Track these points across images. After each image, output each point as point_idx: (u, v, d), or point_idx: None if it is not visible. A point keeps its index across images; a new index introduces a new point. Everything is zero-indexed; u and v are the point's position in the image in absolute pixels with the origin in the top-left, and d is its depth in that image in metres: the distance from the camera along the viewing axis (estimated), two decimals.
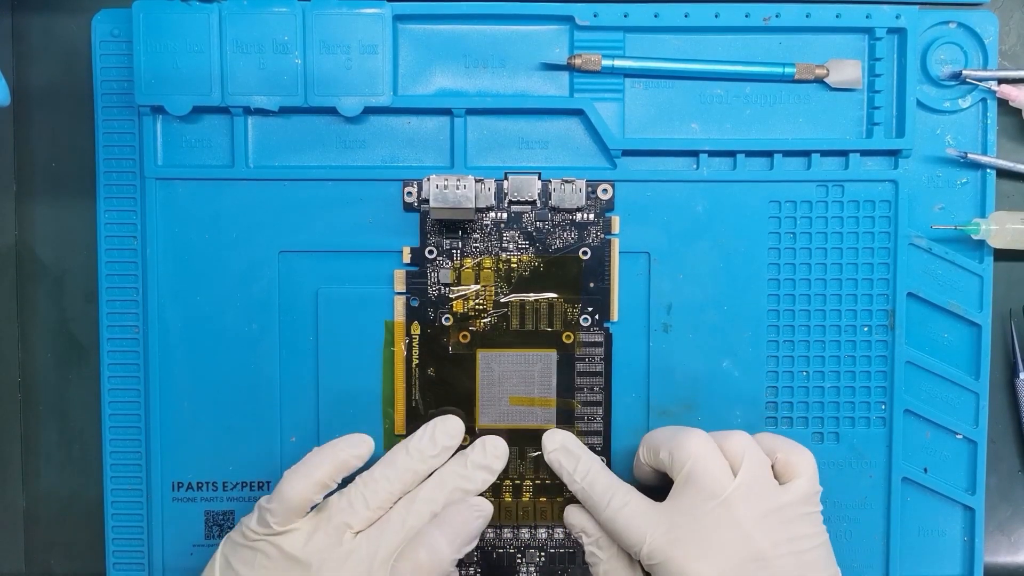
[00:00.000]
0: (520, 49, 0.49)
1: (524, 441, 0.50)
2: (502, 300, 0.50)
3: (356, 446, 0.46)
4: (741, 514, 0.43)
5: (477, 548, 0.49)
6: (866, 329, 0.50)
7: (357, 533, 0.45)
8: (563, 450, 0.47)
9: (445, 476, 0.46)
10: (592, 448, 0.50)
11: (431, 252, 0.49)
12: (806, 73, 0.49)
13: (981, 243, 0.50)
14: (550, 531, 0.50)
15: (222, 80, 0.48)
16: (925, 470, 0.51)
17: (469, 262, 0.50)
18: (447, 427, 0.47)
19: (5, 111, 0.51)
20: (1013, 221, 0.49)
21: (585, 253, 0.49)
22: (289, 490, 0.45)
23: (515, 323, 0.50)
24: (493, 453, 0.48)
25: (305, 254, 0.50)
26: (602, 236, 0.49)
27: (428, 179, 0.48)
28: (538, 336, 0.50)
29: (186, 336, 0.50)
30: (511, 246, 0.50)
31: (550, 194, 0.49)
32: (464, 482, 0.46)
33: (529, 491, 0.50)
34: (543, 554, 0.50)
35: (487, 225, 0.49)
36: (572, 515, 0.47)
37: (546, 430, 0.49)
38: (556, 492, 0.50)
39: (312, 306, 0.50)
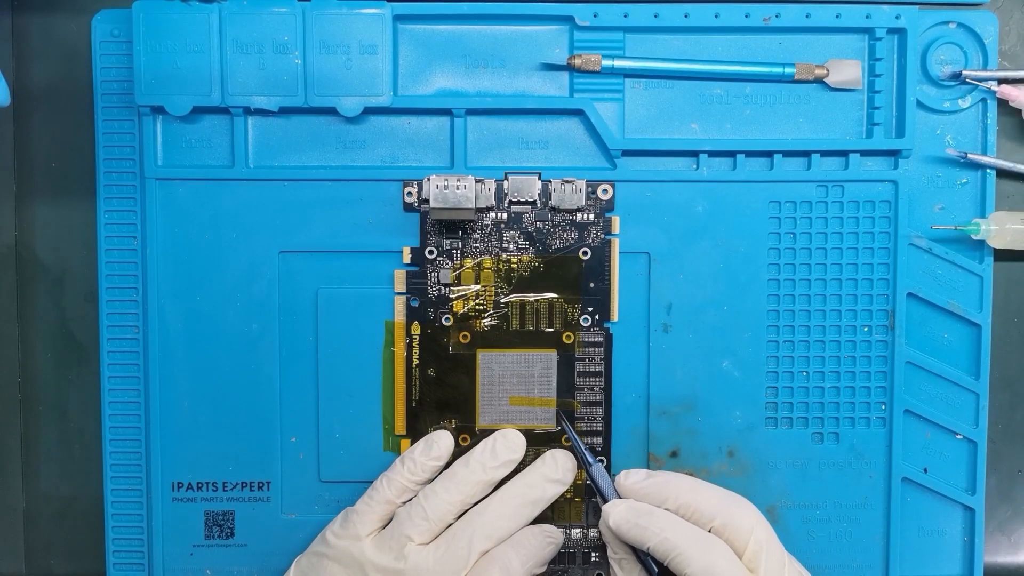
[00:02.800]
0: (520, 49, 0.49)
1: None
2: (502, 300, 0.50)
3: (431, 450, 0.47)
4: None
5: None
6: (866, 329, 0.50)
7: (420, 546, 0.45)
8: (630, 509, 0.45)
9: (510, 491, 0.47)
10: (592, 448, 0.50)
11: (431, 252, 0.49)
12: (806, 73, 0.49)
13: (981, 243, 0.50)
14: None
15: (222, 80, 0.48)
16: (925, 470, 0.51)
17: (469, 262, 0.49)
18: (508, 441, 0.48)
19: (5, 111, 0.51)
20: (1013, 221, 0.49)
21: (585, 253, 0.49)
22: (377, 493, 0.46)
23: (515, 323, 0.50)
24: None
25: (305, 254, 0.50)
26: (602, 236, 0.49)
27: (428, 179, 0.48)
28: (538, 336, 0.50)
29: (186, 336, 0.50)
30: (511, 246, 0.50)
31: (550, 194, 0.49)
32: (531, 492, 0.47)
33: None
34: None
35: (487, 225, 0.49)
36: (606, 530, 0.46)
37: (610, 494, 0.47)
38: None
39: (312, 306, 0.50)
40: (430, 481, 0.47)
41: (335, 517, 0.47)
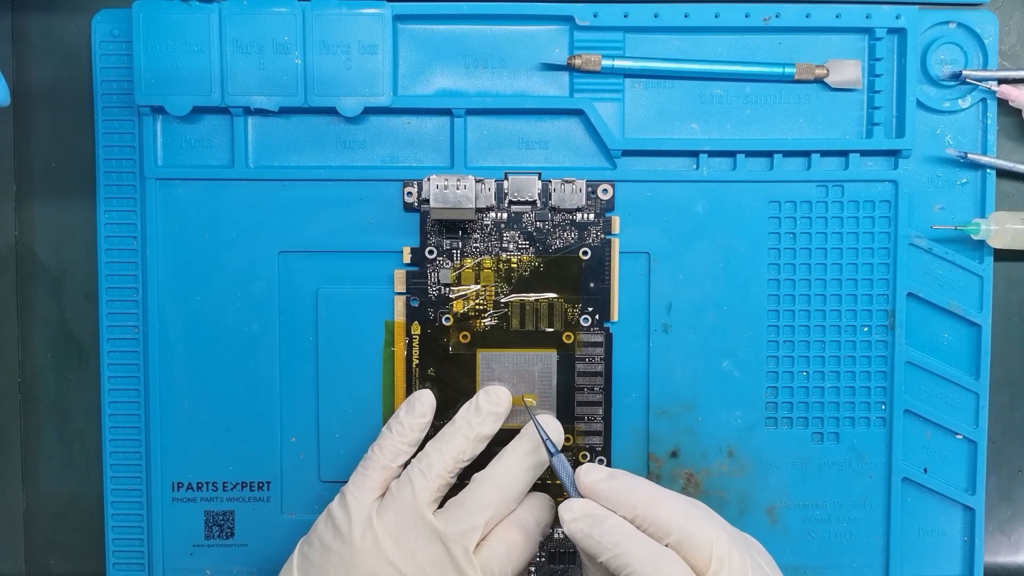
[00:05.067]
0: (520, 49, 0.49)
1: None
2: (502, 300, 0.50)
3: (414, 408, 0.47)
4: None
5: None
6: (866, 329, 0.50)
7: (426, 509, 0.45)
8: (585, 517, 0.43)
9: (510, 458, 0.46)
10: (592, 449, 0.50)
11: (431, 252, 0.49)
12: (806, 73, 0.49)
13: (981, 243, 0.50)
14: (550, 531, 0.50)
15: (222, 80, 0.48)
16: (925, 470, 0.51)
17: (469, 262, 0.50)
18: (490, 396, 0.47)
19: (5, 111, 0.51)
20: (1013, 221, 0.49)
21: (585, 253, 0.49)
22: (370, 461, 0.46)
23: (515, 323, 0.50)
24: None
25: (305, 254, 0.50)
26: (602, 236, 0.49)
27: (428, 179, 0.48)
28: (538, 336, 0.50)
29: (186, 336, 0.50)
30: (511, 246, 0.50)
31: (550, 194, 0.49)
32: (529, 458, 0.46)
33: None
34: (543, 554, 0.50)
35: (487, 225, 0.50)
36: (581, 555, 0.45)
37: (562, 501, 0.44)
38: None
39: (312, 306, 0.50)
40: (419, 442, 0.47)
41: (331, 501, 0.47)
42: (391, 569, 0.44)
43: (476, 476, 0.46)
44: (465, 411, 0.47)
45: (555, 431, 0.47)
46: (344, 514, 0.45)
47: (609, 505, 0.43)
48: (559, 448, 0.46)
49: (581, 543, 0.43)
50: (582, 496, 0.44)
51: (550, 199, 0.49)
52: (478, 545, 0.44)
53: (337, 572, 0.44)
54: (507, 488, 0.45)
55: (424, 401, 0.47)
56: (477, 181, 0.49)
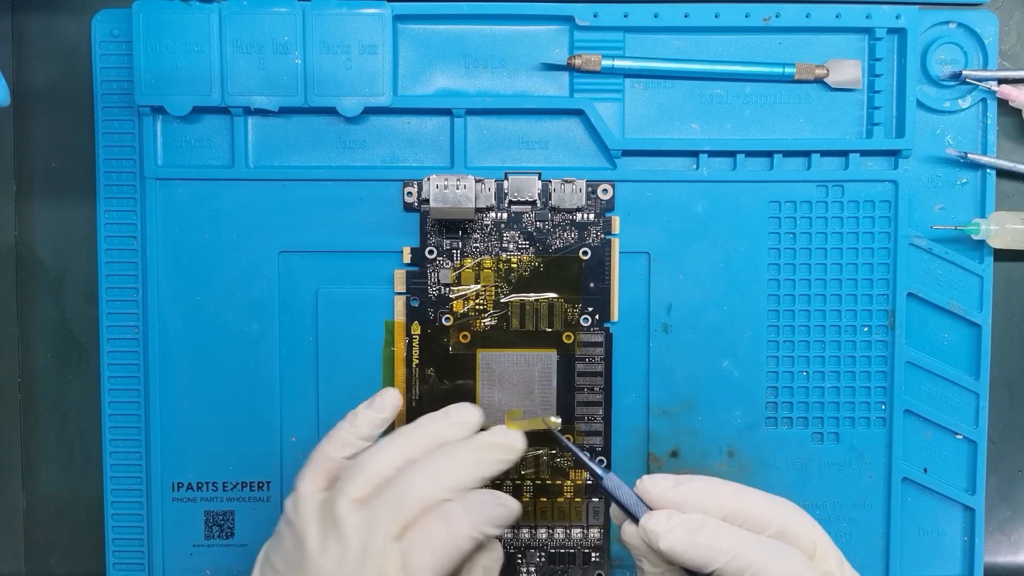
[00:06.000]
0: (520, 49, 0.50)
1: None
2: (502, 300, 0.50)
3: (374, 402, 0.45)
4: None
5: None
6: (866, 329, 0.50)
7: (353, 501, 0.42)
8: (681, 526, 0.39)
9: (459, 448, 0.43)
10: (592, 450, 0.50)
11: (431, 252, 0.49)
12: (806, 73, 0.49)
13: (981, 243, 0.50)
14: (550, 531, 0.50)
15: (222, 80, 0.48)
16: (925, 470, 0.51)
17: (469, 262, 0.50)
18: (463, 409, 0.45)
19: (5, 111, 0.51)
20: (1013, 221, 0.49)
21: (585, 253, 0.49)
22: (316, 451, 0.44)
23: (515, 323, 0.50)
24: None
25: (305, 254, 0.50)
26: (602, 236, 0.49)
27: (428, 179, 0.48)
28: (538, 336, 0.50)
29: (186, 336, 0.50)
30: (511, 246, 0.50)
31: (550, 194, 0.49)
32: (482, 453, 0.43)
33: (529, 491, 0.50)
34: (543, 554, 0.50)
35: (487, 225, 0.50)
36: (630, 535, 0.42)
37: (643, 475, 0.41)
38: (556, 492, 0.50)
39: (312, 306, 0.50)
40: (373, 437, 0.45)
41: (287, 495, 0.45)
42: (327, 568, 0.41)
43: (413, 460, 0.42)
44: (432, 415, 0.44)
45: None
46: (289, 504, 0.44)
47: (690, 511, 0.40)
48: (606, 469, 0.43)
49: (686, 554, 0.39)
50: (653, 509, 0.41)
51: (550, 199, 0.49)
52: (401, 537, 0.41)
53: (289, 571, 0.42)
54: (442, 476, 0.42)
55: (387, 398, 0.45)
56: (477, 181, 0.49)
